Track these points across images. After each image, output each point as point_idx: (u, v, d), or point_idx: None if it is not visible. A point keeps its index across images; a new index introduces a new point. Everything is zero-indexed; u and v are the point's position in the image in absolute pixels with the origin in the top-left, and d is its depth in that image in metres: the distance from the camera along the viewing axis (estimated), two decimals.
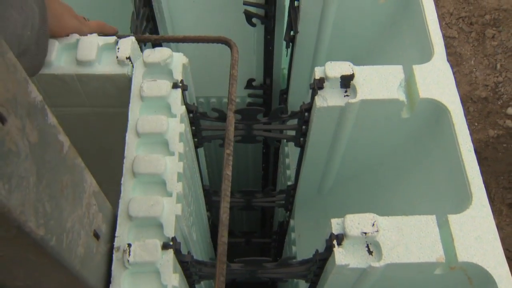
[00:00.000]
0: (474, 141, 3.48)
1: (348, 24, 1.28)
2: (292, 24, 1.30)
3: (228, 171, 0.94)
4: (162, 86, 1.01)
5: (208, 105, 1.78)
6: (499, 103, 3.65)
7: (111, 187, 0.98)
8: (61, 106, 1.14)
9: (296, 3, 1.29)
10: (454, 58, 3.82)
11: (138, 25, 1.30)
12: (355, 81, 1.03)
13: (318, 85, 1.04)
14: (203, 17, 1.58)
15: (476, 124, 3.60)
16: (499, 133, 3.54)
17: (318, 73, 1.04)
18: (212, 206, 1.46)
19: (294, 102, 1.61)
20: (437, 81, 1.03)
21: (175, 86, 1.02)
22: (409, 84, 1.05)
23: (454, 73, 3.70)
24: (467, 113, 3.68)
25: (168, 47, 1.50)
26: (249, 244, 1.79)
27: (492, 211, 0.88)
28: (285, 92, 1.62)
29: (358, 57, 1.38)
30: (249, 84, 1.66)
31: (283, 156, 1.67)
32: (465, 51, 3.86)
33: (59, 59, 1.05)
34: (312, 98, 1.07)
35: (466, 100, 3.68)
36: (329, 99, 1.04)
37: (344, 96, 1.04)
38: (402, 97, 1.02)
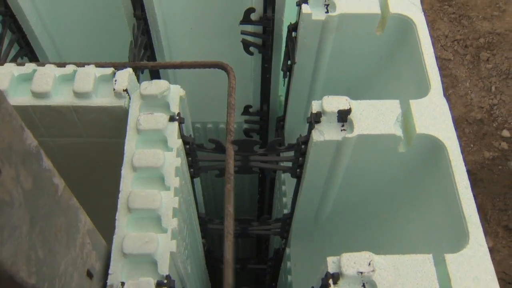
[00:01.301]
0: (469, 162, 3.49)
1: (345, 54, 1.29)
2: (290, 54, 1.31)
3: (230, 208, 0.94)
4: (159, 120, 1.01)
5: (205, 130, 1.78)
6: (494, 125, 3.67)
7: (106, 214, 0.97)
8: (57, 136, 1.14)
9: (293, 34, 1.30)
10: (450, 79, 3.85)
11: (136, 53, 1.30)
12: (352, 116, 1.03)
13: (315, 119, 1.04)
14: (201, 45, 1.59)
15: (471, 145, 3.61)
16: (495, 155, 3.55)
17: (315, 107, 1.04)
18: (207, 233, 1.45)
19: (291, 129, 1.61)
20: (434, 116, 1.04)
21: (172, 119, 1.02)
22: (406, 119, 1.05)
23: (449, 95, 3.69)
24: (462, 134, 3.70)
25: (166, 74, 1.51)
26: (245, 271, 1.78)
27: (487, 234, 0.87)
28: (282, 119, 1.62)
29: (355, 87, 1.39)
30: (246, 110, 1.66)
31: (279, 182, 1.66)
32: (460, 73, 3.89)
33: (56, 90, 1.05)
34: (309, 132, 1.06)
35: (461, 122, 3.69)
36: (326, 133, 1.04)
37: (341, 130, 1.04)
38: (399, 132, 1.02)
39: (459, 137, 3.56)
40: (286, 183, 1.61)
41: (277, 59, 1.46)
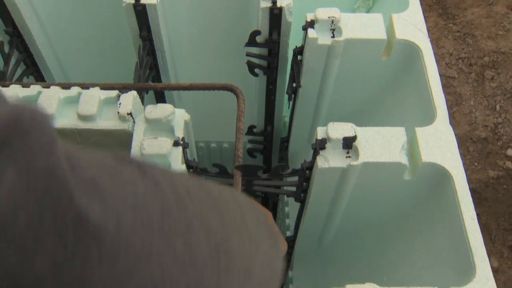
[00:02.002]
0: (474, 181, 3.46)
1: (351, 78, 1.29)
2: (295, 77, 1.30)
3: None
4: (163, 144, 1.00)
5: (208, 150, 1.77)
6: (499, 144, 3.65)
7: None
8: None
9: (299, 57, 1.29)
10: (454, 97, 3.84)
11: (141, 75, 1.30)
12: (357, 143, 1.02)
13: (320, 145, 1.03)
14: (206, 65, 1.59)
15: (476, 164, 3.59)
16: (499, 174, 3.52)
17: (320, 133, 1.04)
18: None
19: (295, 150, 1.60)
20: (440, 144, 1.03)
21: (176, 144, 1.02)
22: (412, 147, 1.04)
23: (453, 113, 3.69)
24: (467, 152, 3.68)
25: (170, 92, 1.51)
26: None
27: (492, 254, 0.86)
28: (286, 140, 1.61)
29: (360, 111, 1.38)
30: (250, 130, 1.66)
31: (282, 203, 1.65)
32: (465, 91, 3.88)
33: (60, 112, 1.05)
34: (314, 158, 1.06)
35: (466, 140, 3.68)
36: (330, 160, 1.03)
37: (346, 157, 1.03)
38: (404, 160, 1.02)
39: (463, 155, 3.55)
40: (290, 204, 1.60)
41: (282, 81, 1.46)
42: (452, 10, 4.12)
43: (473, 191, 3.49)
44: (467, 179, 0.99)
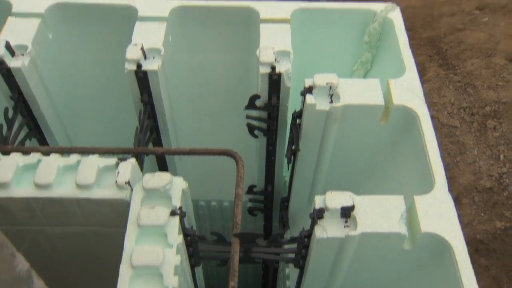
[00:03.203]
0: (481, 232, 3.40)
1: (349, 143, 1.29)
2: (294, 141, 1.31)
3: None
4: (160, 215, 1.00)
5: (209, 209, 1.76)
6: (504, 194, 3.61)
7: None
8: (57, 225, 1.13)
9: (298, 121, 1.31)
10: (457, 147, 3.84)
11: (141, 138, 1.32)
12: (355, 212, 1.02)
13: (318, 215, 1.02)
14: (206, 126, 1.61)
15: (482, 214, 3.54)
16: (507, 225, 3.46)
17: (318, 202, 1.03)
18: None
19: (295, 210, 1.59)
20: (439, 214, 1.02)
21: (173, 213, 1.01)
22: (411, 216, 1.03)
23: (457, 162, 3.64)
24: (472, 202, 3.63)
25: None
26: None
27: None
28: (286, 200, 1.60)
29: (360, 174, 1.38)
30: (251, 190, 1.65)
31: (283, 264, 1.62)
32: (468, 141, 3.88)
33: (59, 181, 1.05)
34: (312, 227, 1.05)
35: (471, 190, 3.64)
36: (329, 229, 1.02)
37: (345, 226, 1.02)
38: (403, 230, 1.00)
39: (469, 205, 3.51)
40: (290, 265, 1.57)
41: (281, 142, 1.47)
42: (452, 60, 4.19)
43: (480, 243, 3.42)
44: (467, 250, 0.98)
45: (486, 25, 4.05)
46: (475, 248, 3.27)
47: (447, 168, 3.70)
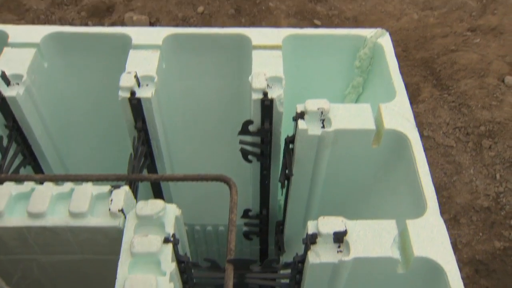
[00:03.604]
0: (480, 252, 3.39)
1: (342, 167, 1.30)
2: (287, 165, 1.32)
3: None
4: (153, 242, 1.00)
5: (204, 233, 1.76)
6: (502, 213, 3.61)
7: None
8: (50, 253, 1.13)
9: (291, 146, 1.32)
10: (453, 166, 3.85)
11: (135, 165, 1.32)
12: (348, 237, 1.02)
13: (311, 240, 1.03)
14: (200, 151, 1.62)
15: (480, 234, 3.53)
16: (506, 245, 3.45)
17: (310, 227, 1.04)
18: None
19: (290, 233, 1.59)
20: (431, 238, 1.02)
21: (166, 240, 1.01)
22: (403, 240, 1.04)
23: (454, 182, 3.66)
24: (470, 222, 3.62)
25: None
26: None
27: None
28: (281, 224, 1.60)
29: (354, 196, 1.39)
30: (246, 214, 1.66)
31: None
32: (464, 160, 3.89)
33: (52, 209, 1.06)
34: (305, 252, 1.05)
35: (468, 209, 3.64)
36: (322, 254, 1.02)
37: (338, 251, 1.02)
38: (396, 254, 1.01)
39: (467, 225, 3.50)
40: None
41: (275, 166, 1.48)
42: (446, 81, 4.24)
43: (480, 263, 3.40)
44: (460, 274, 0.98)
45: (478, 46, 4.11)
46: (475, 268, 3.25)
47: (444, 187, 3.71)
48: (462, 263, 3.15)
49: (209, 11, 4.29)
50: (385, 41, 1.46)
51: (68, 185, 1.10)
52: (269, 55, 1.39)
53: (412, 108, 1.27)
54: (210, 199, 1.68)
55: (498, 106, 3.88)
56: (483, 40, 4.14)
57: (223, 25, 4.17)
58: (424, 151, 1.21)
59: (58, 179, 1.20)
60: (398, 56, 1.53)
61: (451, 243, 1.04)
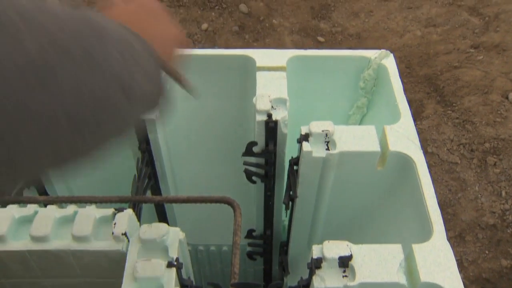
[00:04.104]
0: (486, 270, 3.35)
1: (347, 189, 1.30)
2: (291, 187, 1.31)
3: None
4: (157, 267, 0.99)
5: (208, 253, 1.75)
6: (508, 231, 3.58)
7: None
8: (53, 277, 1.12)
9: (295, 168, 1.31)
10: (458, 183, 3.83)
11: (139, 186, 1.32)
12: (353, 262, 1.01)
13: (315, 264, 1.01)
14: (204, 172, 1.61)
15: (487, 252, 3.49)
16: None
17: (315, 252, 1.02)
18: None
19: (295, 254, 1.57)
20: (438, 263, 1.01)
21: (170, 264, 1.00)
22: (409, 264, 1.02)
23: (458, 199, 3.64)
24: (476, 240, 3.59)
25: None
26: None
27: None
28: (285, 244, 1.59)
29: (359, 219, 1.37)
30: (250, 234, 1.64)
31: None
32: (469, 177, 3.87)
33: (55, 233, 1.05)
34: (310, 277, 1.03)
35: (474, 227, 3.60)
36: (327, 279, 1.00)
37: (343, 276, 1.01)
38: (402, 279, 0.99)
39: (473, 242, 3.46)
40: None
41: (280, 187, 1.47)
42: (450, 97, 4.24)
43: (487, 281, 3.36)
44: None
45: (482, 63, 4.12)
46: (482, 287, 3.21)
47: (448, 204, 3.69)
48: (468, 281, 3.11)
49: (213, 28, 4.33)
50: (389, 62, 1.46)
51: (71, 208, 1.09)
52: (274, 76, 1.39)
53: (416, 126, 1.27)
54: (214, 219, 1.67)
55: (502, 123, 3.87)
56: (486, 57, 4.15)
57: (227, 41, 4.19)
58: (429, 171, 1.20)
59: (61, 201, 1.20)
60: (401, 72, 1.54)
61: (457, 260, 1.03)
